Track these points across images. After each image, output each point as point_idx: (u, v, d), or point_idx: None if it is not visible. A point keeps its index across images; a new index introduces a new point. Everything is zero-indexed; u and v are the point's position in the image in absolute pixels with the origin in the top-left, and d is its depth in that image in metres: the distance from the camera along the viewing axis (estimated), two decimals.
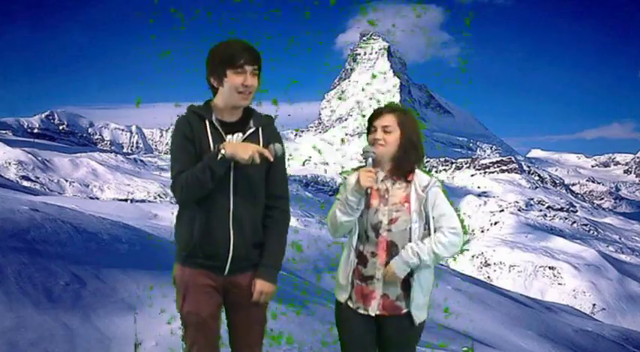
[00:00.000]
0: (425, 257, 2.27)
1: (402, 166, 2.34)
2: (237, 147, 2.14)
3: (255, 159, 2.13)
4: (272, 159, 2.19)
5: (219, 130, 2.24)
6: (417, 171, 2.37)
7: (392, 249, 2.30)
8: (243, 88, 2.19)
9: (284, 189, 2.37)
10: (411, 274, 2.30)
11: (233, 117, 2.28)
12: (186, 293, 2.29)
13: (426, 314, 2.39)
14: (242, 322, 2.36)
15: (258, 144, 2.25)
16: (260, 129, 2.29)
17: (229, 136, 2.24)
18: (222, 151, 2.11)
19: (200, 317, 2.27)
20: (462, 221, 2.38)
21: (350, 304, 2.37)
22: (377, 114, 2.37)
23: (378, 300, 2.32)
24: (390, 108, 2.38)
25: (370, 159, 2.27)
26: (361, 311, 2.34)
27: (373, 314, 2.33)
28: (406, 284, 2.33)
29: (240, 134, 2.25)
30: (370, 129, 2.37)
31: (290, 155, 2.33)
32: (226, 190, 2.22)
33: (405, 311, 2.33)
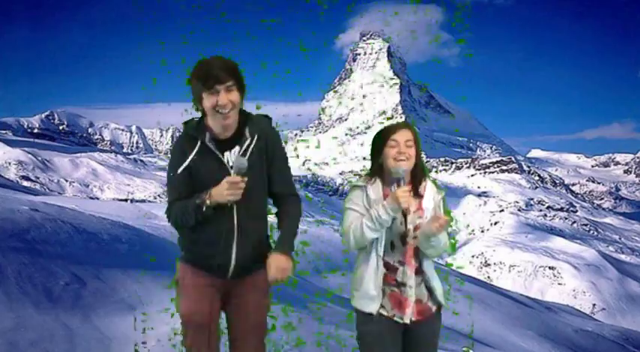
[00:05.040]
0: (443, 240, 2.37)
1: (419, 178, 2.44)
2: (218, 195, 2.15)
3: (239, 186, 2.14)
4: (235, 174, 2.16)
5: (214, 152, 2.23)
6: (426, 180, 2.49)
7: (420, 255, 2.39)
8: (219, 107, 2.15)
9: (291, 186, 2.41)
10: (422, 270, 2.39)
11: (227, 132, 2.25)
12: (187, 293, 2.31)
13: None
14: (246, 307, 2.35)
15: (254, 152, 2.25)
16: (255, 138, 2.27)
17: (227, 153, 2.24)
18: (207, 202, 2.15)
19: (200, 317, 2.29)
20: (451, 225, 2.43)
21: (384, 312, 2.38)
22: (393, 129, 2.43)
23: (412, 307, 2.37)
24: (404, 123, 2.49)
25: (402, 181, 2.33)
26: (397, 319, 2.37)
27: (408, 321, 2.37)
28: (427, 282, 2.41)
29: (237, 147, 2.24)
30: (386, 143, 2.40)
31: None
32: (229, 207, 2.23)
33: (435, 308, 2.43)
